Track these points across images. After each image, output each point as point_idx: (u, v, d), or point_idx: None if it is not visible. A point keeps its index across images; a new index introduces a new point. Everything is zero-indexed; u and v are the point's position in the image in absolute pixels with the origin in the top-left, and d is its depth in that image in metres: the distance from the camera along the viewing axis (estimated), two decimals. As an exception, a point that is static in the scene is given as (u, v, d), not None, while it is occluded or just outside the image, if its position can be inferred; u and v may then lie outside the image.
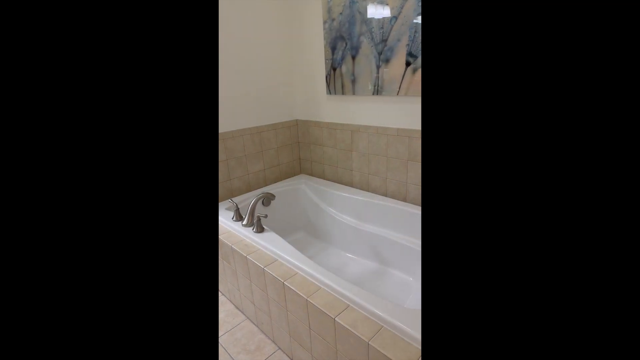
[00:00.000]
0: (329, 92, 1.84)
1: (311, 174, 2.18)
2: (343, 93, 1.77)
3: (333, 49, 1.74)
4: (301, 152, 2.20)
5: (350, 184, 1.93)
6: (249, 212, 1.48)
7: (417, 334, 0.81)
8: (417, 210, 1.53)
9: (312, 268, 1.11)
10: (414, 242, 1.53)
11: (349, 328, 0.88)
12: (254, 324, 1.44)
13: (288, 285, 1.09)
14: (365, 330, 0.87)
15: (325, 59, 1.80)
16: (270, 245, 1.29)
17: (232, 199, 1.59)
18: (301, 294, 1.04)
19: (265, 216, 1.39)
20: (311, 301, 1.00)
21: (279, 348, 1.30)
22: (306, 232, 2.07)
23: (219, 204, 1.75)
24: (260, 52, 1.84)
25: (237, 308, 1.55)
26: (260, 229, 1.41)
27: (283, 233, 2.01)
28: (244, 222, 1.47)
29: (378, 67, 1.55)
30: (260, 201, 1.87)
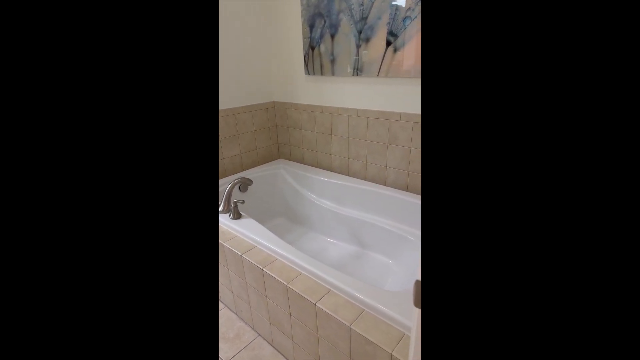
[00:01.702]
0: (307, 72, 1.77)
1: (290, 159, 2.13)
2: (322, 73, 1.70)
3: (311, 26, 1.66)
4: (279, 136, 2.13)
5: (330, 168, 1.90)
6: (225, 199, 1.41)
7: (398, 315, 0.81)
8: (396, 194, 1.54)
9: (291, 253, 1.08)
10: (394, 225, 1.54)
11: (331, 313, 0.87)
12: (233, 311, 1.41)
13: (267, 271, 1.06)
14: (346, 314, 0.86)
15: (303, 38, 1.71)
16: (248, 232, 1.24)
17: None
18: (281, 280, 1.01)
19: (242, 202, 1.33)
20: (291, 287, 0.98)
21: (259, 335, 1.28)
22: (286, 217, 2.04)
23: (193, 190, 1.67)
24: (233, 28, 1.72)
25: (215, 297, 1.50)
26: (237, 216, 1.35)
27: (262, 219, 1.96)
28: (220, 209, 1.41)
29: (358, 46, 1.50)
30: (237, 187, 1.80)
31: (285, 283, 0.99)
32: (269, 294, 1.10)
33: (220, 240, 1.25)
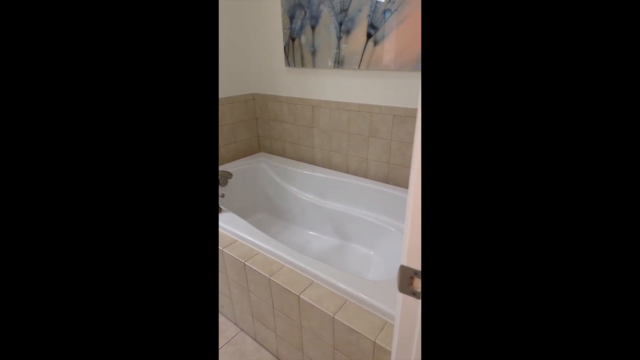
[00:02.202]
0: (288, 64, 1.74)
1: (271, 152, 2.10)
2: (303, 65, 1.68)
3: (291, 17, 1.63)
4: (259, 129, 2.09)
5: (312, 161, 1.89)
6: (204, 192, 1.38)
7: (381, 304, 0.83)
8: (377, 187, 1.56)
9: (274, 246, 1.07)
10: (375, 217, 1.57)
11: (314, 304, 0.87)
12: (214, 307, 1.38)
13: (249, 265, 1.04)
14: (330, 304, 0.87)
15: (284, 29, 1.68)
16: (228, 226, 1.21)
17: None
18: (263, 273, 1.00)
19: (222, 196, 1.30)
20: (274, 280, 0.97)
21: (242, 330, 1.27)
22: (267, 212, 2.02)
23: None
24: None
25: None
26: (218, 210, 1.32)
27: (243, 214, 1.93)
28: (199, 203, 1.37)
29: (339, 38, 1.49)
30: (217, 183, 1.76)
31: (268, 276, 0.99)
32: (251, 288, 1.09)
33: (199, 235, 1.22)
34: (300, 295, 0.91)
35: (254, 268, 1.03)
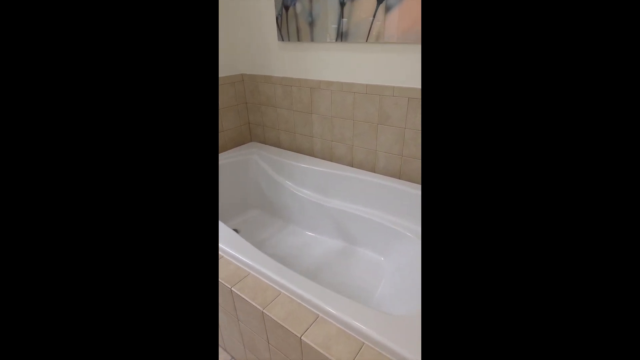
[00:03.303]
0: (281, 37, 1.47)
1: (264, 142, 1.86)
2: (299, 39, 1.42)
3: (284, -21, 1.35)
4: (250, 115, 1.84)
5: (310, 153, 1.66)
6: (184, 195, 1.15)
7: (411, 354, 0.62)
8: (388, 182, 1.34)
9: (268, 267, 0.86)
10: (385, 218, 1.36)
11: (321, 351, 0.67)
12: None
13: (237, 292, 0.83)
14: (341, 349, 0.67)
15: (275, -6, 1.40)
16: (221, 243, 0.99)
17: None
18: (255, 304, 0.79)
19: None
20: (268, 313, 0.76)
21: (233, 357, 1.08)
22: (261, 209, 1.80)
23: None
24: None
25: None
26: (199, 216, 1.10)
27: (234, 212, 1.71)
28: (178, 208, 1.14)
29: (342, 4, 1.23)
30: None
31: (261, 308, 0.78)
32: (240, 317, 0.88)
33: (177, 250, 1.00)
34: (302, 337, 0.70)
35: (243, 296, 0.82)
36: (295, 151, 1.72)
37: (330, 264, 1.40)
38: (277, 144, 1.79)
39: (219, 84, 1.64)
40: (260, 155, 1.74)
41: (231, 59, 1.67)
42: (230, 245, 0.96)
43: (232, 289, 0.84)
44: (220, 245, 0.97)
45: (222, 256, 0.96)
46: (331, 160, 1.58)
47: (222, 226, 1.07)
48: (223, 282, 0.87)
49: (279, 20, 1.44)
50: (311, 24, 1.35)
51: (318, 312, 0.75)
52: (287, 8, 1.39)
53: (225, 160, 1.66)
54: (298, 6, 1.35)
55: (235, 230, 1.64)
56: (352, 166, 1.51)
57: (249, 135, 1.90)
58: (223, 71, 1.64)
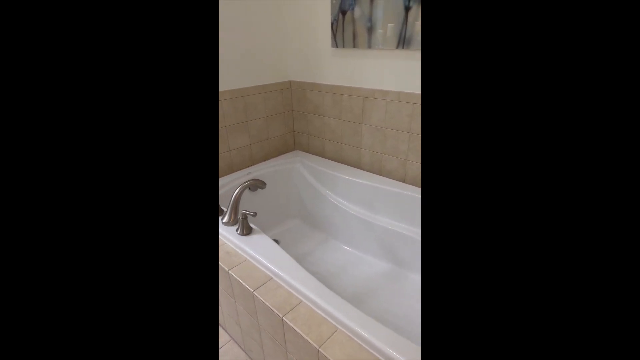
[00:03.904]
0: (335, 44, 1.40)
1: (307, 151, 1.80)
2: (354, 46, 1.34)
3: (343, -17, 1.28)
4: (295, 123, 1.79)
5: (358, 165, 1.57)
6: (232, 206, 1.11)
7: None
8: (447, 204, 1.21)
9: (324, 297, 0.78)
10: (441, 242, 1.23)
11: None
12: (242, 348, 1.14)
13: (288, 322, 0.76)
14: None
15: (332, 0, 1.34)
16: (261, 257, 0.94)
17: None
18: (310, 340, 0.71)
19: (254, 214, 1.02)
20: (324, 353, 0.68)
21: (274, 384, 1.01)
22: (301, 219, 1.74)
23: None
24: (242, -17, 1.35)
25: (220, 325, 1.23)
26: (247, 231, 1.05)
27: (274, 221, 1.67)
28: (225, 219, 1.11)
29: (407, 7, 1.13)
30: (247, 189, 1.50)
31: (317, 346, 0.70)
32: (290, 348, 0.81)
33: (225, 266, 0.95)
34: (366, 390, 0.61)
35: (294, 328, 0.75)
36: (340, 162, 1.64)
37: (375, 288, 1.30)
38: (322, 154, 1.73)
39: (268, 91, 1.60)
40: (304, 164, 1.68)
41: (280, 65, 1.63)
42: (283, 268, 0.89)
43: (283, 318, 0.77)
44: (270, 265, 0.91)
45: (272, 277, 0.90)
46: (380, 174, 1.48)
47: (265, 239, 1.01)
48: (272, 308, 0.80)
49: (334, 26, 1.37)
50: (370, 29, 1.26)
51: (379, 357, 0.66)
52: (344, 13, 1.32)
53: (269, 169, 1.62)
54: (357, 11, 1.27)
55: (276, 240, 1.59)
56: (404, 182, 1.40)
57: (293, 144, 1.86)
58: (271, 78, 1.61)
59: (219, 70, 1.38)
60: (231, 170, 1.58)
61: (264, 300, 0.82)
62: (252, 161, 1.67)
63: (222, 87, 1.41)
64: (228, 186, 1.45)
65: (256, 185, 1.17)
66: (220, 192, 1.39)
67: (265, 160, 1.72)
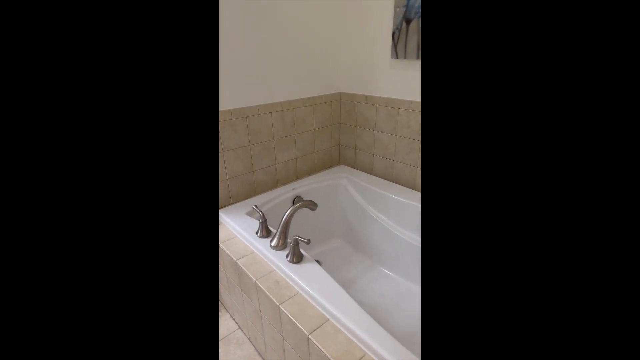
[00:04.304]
0: (396, 54, 1.29)
1: (354, 166, 1.69)
2: (418, 57, 1.22)
3: (409, -11, 1.17)
4: (342, 136, 1.69)
5: (412, 185, 1.43)
6: (281, 229, 1.02)
7: None
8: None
9: (390, 350, 0.66)
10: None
11: None
12: (283, 385, 1.03)
13: (354, 382, 0.64)
14: None
15: (395, 7, 1.24)
16: (316, 293, 0.83)
17: (257, 205, 1.14)
18: (381, 410, 0.59)
19: (308, 242, 0.92)
20: None
21: None
22: (345, 240, 1.62)
23: (239, 204, 1.31)
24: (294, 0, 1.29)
25: (260, 355, 1.14)
26: (297, 258, 0.96)
27: (316, 239, 1.57)
28: (274, 243, 1.02)
29: (488, 15, 0.99)
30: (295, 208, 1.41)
31: (391, 421, 0.57)
32: (350, 409, 0.69)
33: (275, 300, 0.86)
34: None
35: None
36: (392, 180, 1.51)
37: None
38: (369, 170, 1.61)
39: (317, 103, 1.52)
40: (350, 181, 1.57)
41: (330, 76, 1.55)
42: (342, 309, 0.78)
43: (347, 375, 0.66)
44: (327, 305, 0.80)
45: (328, 319, 0.79)
46: (439, 198, 1.33)
47: (319, 270, 0.90)
48: (330, 358, 0.69)
49: (396, 35, 1.27)
50: (438, 39, 1.14)
51: None
52: (408, 22, 1.21)
53: (313, 185, 1.53)
54: (423, 19, 1.16)
55: (318, 261, 1.48)
56: (468, 209, 1.24)
57: (338, 158, 1.76)
58: (320, 89, 1.53)
59: (271, 84, 1.32)
60: (276, 184, 1.50)
61: (321, 348, 0.71)
62: (297, 175, 1.59)
63: (272, 100, 1.35)
64: (273, 202, 1.37)
65: (306, 206, 1.08)
66: (264, 208, 1.32)
67: (309, 174, 1.63)
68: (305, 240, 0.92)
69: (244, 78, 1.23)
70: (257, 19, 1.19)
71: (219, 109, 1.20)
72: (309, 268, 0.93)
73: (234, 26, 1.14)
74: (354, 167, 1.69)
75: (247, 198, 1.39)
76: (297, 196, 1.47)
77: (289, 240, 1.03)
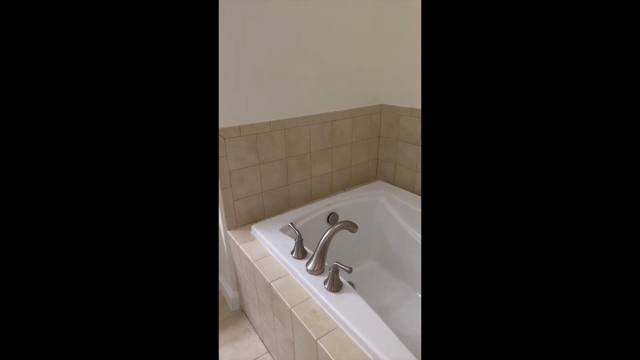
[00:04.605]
0: (448, 66, 1.19)
1: (392, 182, 1.59)
2: (474, 68, 1.11)
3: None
4: (381, 150, 1.60)
5: (460, 207, 1.30)
6: (319, 252, 0.94)
7: None
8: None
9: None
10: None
11: None
12: None
13: None
14: None
15: (448, 13, 1.14)
16: (360, 331, 0.74)
17: (293, 224, 1.08)
18: None
19: (350, 270, 0.84)
20: None
21: None
22: (380, 263, 1.52)
23: (273, 219, 1.25)
24: (334, 7, 1.23)
25: (288, 383, 1.06)
26: (336, 287, 0.87)
27: (347, 258, 1.47)
28: (310, 266, 0.95)
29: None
30: (326, 219, 1.34)
31: None
32: None
33: (313, 333, 0.78)
34: None
35: None
36: (435, 201, 1.39)
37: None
38: (411, 188, 1.50)
39: (356, 115, 1.45)
40: (389, 199, 1.47)
41: (372, 88, 1.47)
42: (384, 349, 0.69)
43: None
44: (371, 345, 0.71)
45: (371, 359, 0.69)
46: (492, 224, 1.20)
47: (361, 303, 0.81)
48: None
49: (448, 45, 1.17)
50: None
51: None
52: (464, 30, 1.10)
53: (348, 201, 1.45)
54: (481, 27, 1.05)
55: (351, 283, 1.39)
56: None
57: (375, 172, 1.67)
58: (363, 101, 1.46)
59: (311, 94, 1.27)
60: (311, 198, 1.44)
61: (367, 401, 0.62)
62: (332, 189, 1.51)
63: (311, 112, 1.30)
64: (307, 218, 1.31)
65: (346, 228, 1.00)
66: (298, 224, 1.26)
67: (344, 188, 1.56)
68: (347, 269, 0.84)
69: (284, 90, 1.19)
70: (299, 29, 1.15)
71: (259, 121, 1.17)
72: (350, 299, 0.84)
73: (274, 37, 1.11)
74: (393, 183, 1.59)
75: (281, 212, 1.34)
76: (332, 213, 1.39)
77: (326, 264, 0.95)
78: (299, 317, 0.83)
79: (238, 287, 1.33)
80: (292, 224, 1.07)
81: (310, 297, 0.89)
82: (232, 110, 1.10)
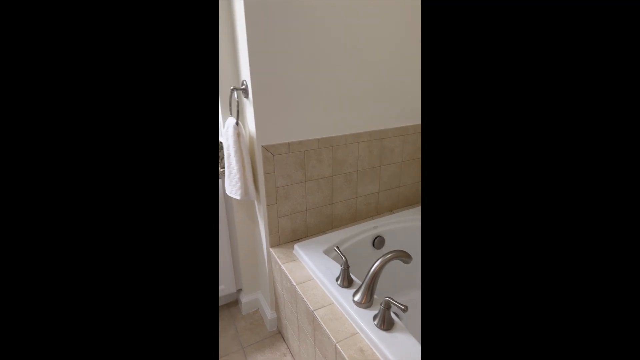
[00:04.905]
0: (517, 82, 1.07)
1: (444, 206, 1.46)
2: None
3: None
4: (432, 170, 1.49)
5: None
6: (368, 283, 0.87)
7: None
8: None
9: None
10: None
11: None
12: None
13: None
14: None
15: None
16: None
17: (339, 248, 1.02)
18: None
19: (405, 309, 0.75)
20: None
21: None
22: (428, 292, 1.39)
23: (317, 239, 1.20)
24: (384, 22, 1.18)
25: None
26: (389, 325, 0.79)
27: (393, 289, 1.37)
28: (357, 298, 0.87)
29: None
30: (371, 243, 1.26)
31: None
32: None
33: (361, 377, 0.70)
34: None
35: None
36: (495, 231, 1.25)
37: None
38: (465, 214, 1.36)
39: (407, 133, 1.37)
40: (441, 224, 1.35)
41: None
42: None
43: None
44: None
45: None
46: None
47: (416, 346, 0.72)
48: None
49: (518, 60, 1.05)
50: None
51: None
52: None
53: (397, 223, 1.35)
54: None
55: (396, 314, 1.28)
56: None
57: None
58: (413, 119, 1.38)
59: (361, 110, 1.22)
60: (354, 219, 1.37)
61: None
62: (378, 211, 1.43)
63: (361, 129, 1.25)
64: (352, 240, 1.24)
65: (399, 258, 0.91)
66: (342, 246, 1.19)
67: (391, 210, 1.47)
68: (402, 307, 0.75)
69: (334, 106, 1.16)
70: (353, 46, 1.12)
71: (307, 138, 1.14)
72: (403, 340, 0.75)
73: (328, 54, 1.08)
74: (443, 206, 1.47)
75: (324, 231, 1.28)
76: (378, 236, 1.31)
77: (376, 296, 0.87)
78: (345, 355, 0.75)
79: (277, 307, 1.29)
80: (338, 248, 1.01)
81: (358, 333, 0.81)
82: (282, 127, 1.08)
